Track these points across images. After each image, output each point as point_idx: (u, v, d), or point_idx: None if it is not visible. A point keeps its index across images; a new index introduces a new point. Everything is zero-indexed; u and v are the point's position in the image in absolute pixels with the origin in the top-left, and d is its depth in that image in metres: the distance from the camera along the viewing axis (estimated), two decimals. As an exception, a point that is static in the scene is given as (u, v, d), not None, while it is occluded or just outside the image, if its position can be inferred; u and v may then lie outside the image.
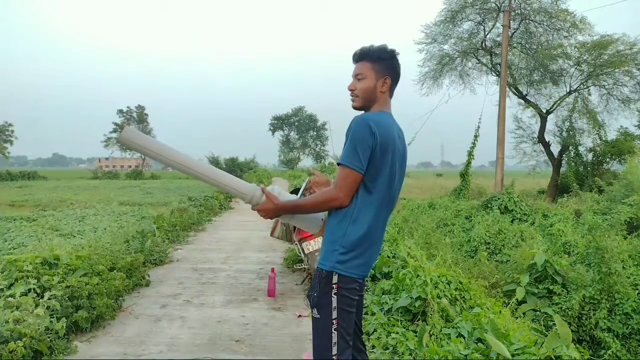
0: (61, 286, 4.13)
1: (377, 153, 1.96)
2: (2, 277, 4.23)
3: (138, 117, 67.10)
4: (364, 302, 4.03)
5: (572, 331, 4.53)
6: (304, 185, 2.36)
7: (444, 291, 4.07)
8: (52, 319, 3.62)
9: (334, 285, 1.97)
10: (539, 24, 18.14)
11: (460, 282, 4.33)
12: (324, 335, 1.98)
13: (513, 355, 2.91)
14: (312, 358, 3.32)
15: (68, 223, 11.05)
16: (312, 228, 2.23)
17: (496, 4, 18.04)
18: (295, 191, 4.11)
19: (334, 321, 1.97)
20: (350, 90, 2.15)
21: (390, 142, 2.00)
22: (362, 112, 2.14)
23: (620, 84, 17.73)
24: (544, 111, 19.11)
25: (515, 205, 11.92)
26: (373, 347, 3.47)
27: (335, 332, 1.97)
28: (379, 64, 2.10)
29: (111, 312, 4.20)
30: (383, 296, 4.34)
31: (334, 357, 1.96)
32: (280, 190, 2.20)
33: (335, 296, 1.97)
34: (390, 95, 2.16)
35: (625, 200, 10.28)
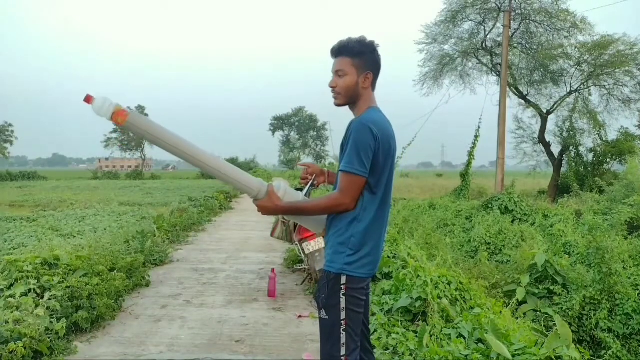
0: (61, 286, 4.13)
1: (380, 155, 1.95)
2: (2, 278, 4.23)
3: (138, 117, 67.09)
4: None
5: (573, 331, 4.51)
6: (310, 182, 2.33)
7: (444, 291, 4.07)
8: (52, 320, 3.61)
9: (342, 286, 1.97)
10: (540, 24, 18.14)
11: (461, 283, 4.33)
12: (333, 336, 1.97)
13: (513, 356, 2.91)
14: (312, 358, 3.32)
15: (68, 223, 11.05)
16: (317, 228, 2.20)
17: (496, 4, 18.04)
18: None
19: (342, 322, 1.96)
20: (331, 87, 2.08)
21: (391, 141, 2.00)
22: (350, 110, 2.10)
23: (620, 84, 17.75)
24: (545, 111, 19.11)
25: (516, 206, 11.91)
26: (373, 347, 3.47)
27: (344, 333, 1.96)
28: (359, 58, 2.03)
29: (111, 312, 4.20)
30: (383, 296, 4.34)
31: (343, 358, 1.95)
32: (287, 188, 2.15)
33: (344, 297, 1.97)
34: (373, 89, 2.11)
35: (625, 201, 10.27)
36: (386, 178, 2.01)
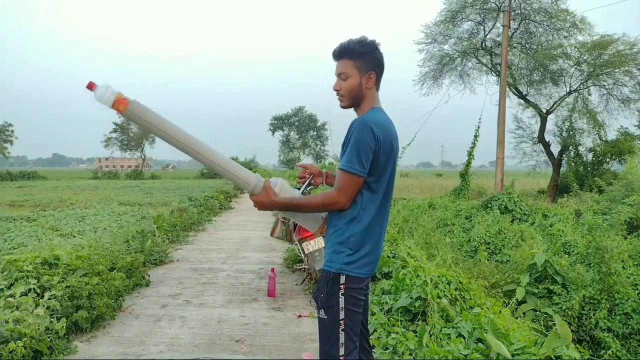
0: (61, 286, 4.13)
1: (381, 155, 1.96)
2: (2, 277, 4.24)
3: (138, 117, 66.99)
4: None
5: (572, 331, 4.52)
6: (307, 181, 2.34)
7: (444, 291, 4.07)
8: (52, 319, 3.62)
9: (341, 286, 1.98)
10: (539, 24, 18.14)
11: (460, 282, 4.33)
12: (332, 336, 1.97)
13: (513, 355, 2.91)
14: (312, 358, 3.32)
15: (68, 223, 11.06)
16: (312, 226, 2.21)
17: (496, 4, 18.04)
18: None
19: (341, 322, 1.97)
20: (335, 90, 2.10)
21: (393, 142, 2.01)
22: (354, 111, 2.12)
23: (620, 84, 17.75)
24: (544, 111, 19.12)
25: (515, 205, 11.91)
26: (373, 347, 3.47)
27: (343, 333, 1.96)
28: (361, 59, 2.04)
29: (111, 312, 4.20)
30: (383, 296, 4.34)
31: (341, 358, 1.96)
32: (284, 184, 2.16)
33: (343, 297, 1.97)
34: (377, 89, 2.12)
35: (625, 200, 10.26)
36: (387, 178, 2.02)
